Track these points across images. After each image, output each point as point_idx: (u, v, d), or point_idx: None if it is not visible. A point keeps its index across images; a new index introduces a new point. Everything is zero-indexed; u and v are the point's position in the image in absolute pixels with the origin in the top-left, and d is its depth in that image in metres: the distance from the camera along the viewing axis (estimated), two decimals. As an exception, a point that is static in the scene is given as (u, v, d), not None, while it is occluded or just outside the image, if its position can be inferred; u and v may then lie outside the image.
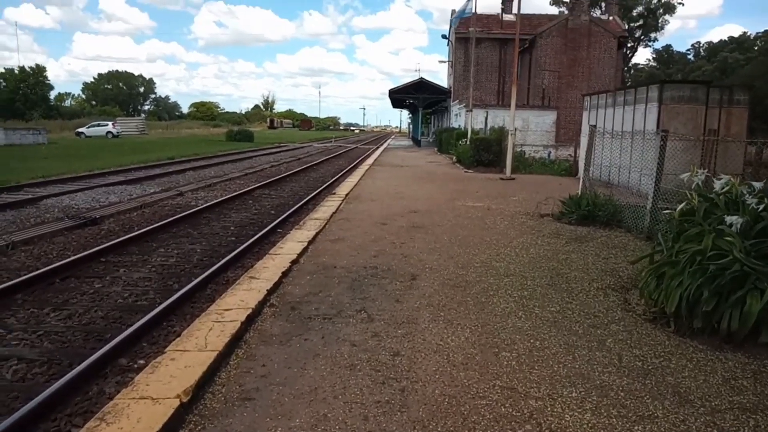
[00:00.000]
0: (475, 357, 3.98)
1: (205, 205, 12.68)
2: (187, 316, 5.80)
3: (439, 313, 4.84)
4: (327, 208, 10.43)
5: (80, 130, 56.71)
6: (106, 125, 57.84)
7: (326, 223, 8.85)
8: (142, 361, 4.64)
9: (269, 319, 4.64)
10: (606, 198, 9.82)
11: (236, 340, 4.13)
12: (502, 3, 39.78)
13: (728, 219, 4.60)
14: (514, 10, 19.32)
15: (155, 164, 24.07)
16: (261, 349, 4.04)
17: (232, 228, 10.68)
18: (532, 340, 4.31)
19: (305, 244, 7.17)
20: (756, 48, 64.44)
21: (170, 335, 5.34)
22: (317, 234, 7.96)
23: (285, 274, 5.79)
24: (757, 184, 4.74)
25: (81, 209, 12.20)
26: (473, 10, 28.16)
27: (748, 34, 69.70)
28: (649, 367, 3.90)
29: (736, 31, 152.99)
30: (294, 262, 6.28)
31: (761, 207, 4.61)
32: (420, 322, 4.62)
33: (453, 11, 41.04)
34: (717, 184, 4.95)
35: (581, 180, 10.72)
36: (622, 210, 9.51)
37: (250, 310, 4.60)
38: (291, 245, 7.05)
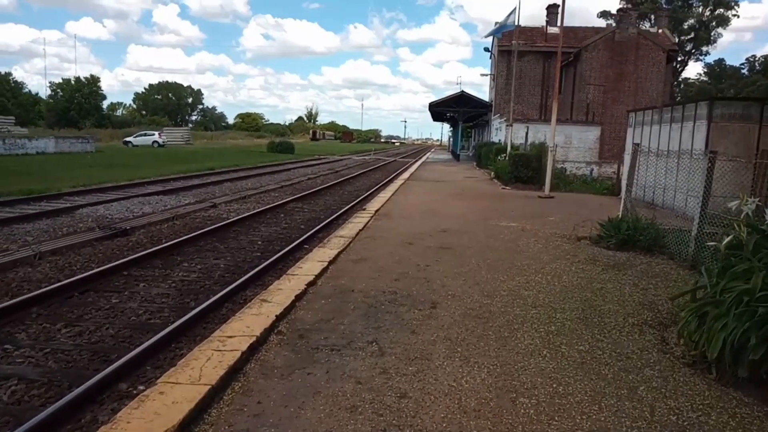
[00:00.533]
0: (490, 403, 3.63)
1: (236, 218, 12.65)
2: (197, 338, 5.62)
3: (456, 349, 4.50)
4: (354, 225, 10.18)
5: (128, 139, 58.43)
6: (153, 135, 59.40)
7: (351, 242, 8.60)
8: (142, 387, 4.46)
9: (274, 348, 4.39)
10: (648, 221, 9.26)
11: (234, 372, 3.89)
12: (547, 15, 39.14)
13: (781, 255, 4.12)
14: (559, 23, 18.82)
15: (195, 175, 24.42)
16: (260, 383, 3.79)
17: (259, 243, 10.56)
18: (555, 385, 3.92)
19: (326, 264, 6.92)
20: (816, 62, 61.64)
21: (176, 358, 5.14)
22: (340, 253, 7.71)
23: (299, 297, 5.55)
24: (816, 218, 4.24)
25: (114, 219, 12.33)
26: (516, 23, 27.67)
27: (808, 47, 66.73)
28: (685, 423, 3.47)
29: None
30: (311, 284, 6.04)
31: (820, 243, 4.12)
32: (434, 359, 4.29)
33: (497, 23, 40.62)
34: (768, 216, 4.47)
35: (622, 201, 10.17)
36: (665, 235, 8.94)
37: (254, 338, 4.36)
38: (310, 265, 6.82)
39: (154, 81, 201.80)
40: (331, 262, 7.09)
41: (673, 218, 11.13)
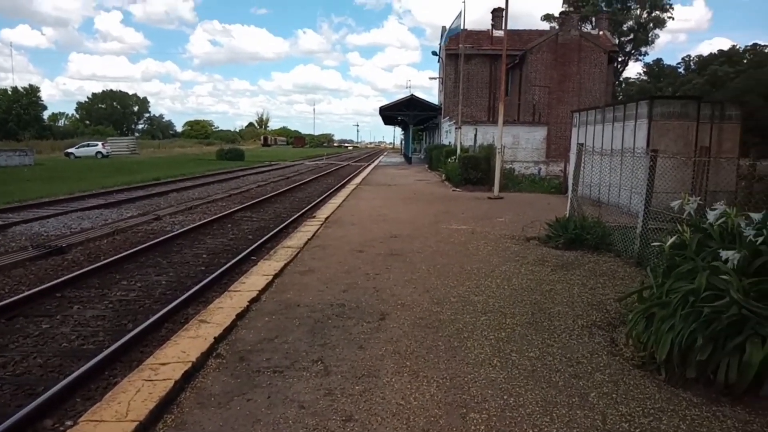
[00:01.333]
0: (439, 420, 3.48)
1: (180, 231, 12.19)
2: (134, 363, 5.26)
3: (404, 363, 4.33)
4: (303, 234, 9.93)
5: (69, 150, 56.17)
6: (96, 145, 57.34)
7: (299, 252, 8.34)
8: (70, 422, 4.11)
9: (212, 373, 4.13)
10: (594, 220, 9.36)
11: (167, 403, 3.61)
12: (492, 19, 39.72)
13: (724, 254, 4.12)
14: (504, 26, 19.03)
15: (139, 186, 23.56)
16: (194, 414, 3.53)
17: (204, 256, 10.17)
18: (506, 397, 3.81)
19: (271, 277, 6.66)
20: (745, 61, 64.68)
21: (110, 387, 4.80)
22: (287, 265, 7.46)
23: (241, 315, 5.28)
24: (756, 215, 4.27)
25: (50, 237, 11.67)
26: (462, 27, 27.92)
27: (737, 47, 70.02)
28: (637, 430, 3.40)
29: (724, 44, 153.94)
30: (254, 300, 5.77)
31: (760, 240, 4.14)
32: (382, 375, 4.11)
33: (444, 27, 40.97)
34: (711, 215, 4.49)
35: (569, 201, 10.27)
36: (611, 233, 9.05)
37: (189, 365, 4.08)
38: (254, 279, 6.54)
39: (98, 90, 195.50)
40: (276, 276, 6.82)
41: (618, 215, 11.33)
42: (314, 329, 5.05)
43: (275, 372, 4.14)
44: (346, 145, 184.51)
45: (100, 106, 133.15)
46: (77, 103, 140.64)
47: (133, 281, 8.42)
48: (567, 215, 9.94)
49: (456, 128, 29.46)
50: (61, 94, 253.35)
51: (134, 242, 11.30)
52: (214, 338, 4.61)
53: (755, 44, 69.52)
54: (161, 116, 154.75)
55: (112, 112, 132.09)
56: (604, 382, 4.06)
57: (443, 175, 25.40)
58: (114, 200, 18.07)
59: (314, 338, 4.83)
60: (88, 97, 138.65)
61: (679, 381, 4.02)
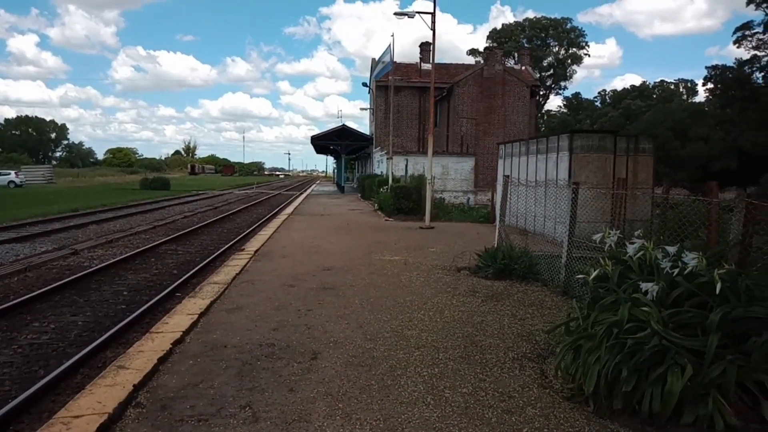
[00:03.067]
0: (373, 466, 3.37)
1: (99, 266, 11.55)
2: (44, 415, 4.87)
3: (337, 405, 4.21)
4: (230, 268, 9.61)
5: (-22, 179, 52.59)
6: (8, 174, 53.99)
7: (226, 288, 8.06)
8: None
9: (131, 424, 3.85)
10: (522, 250, 9.60)
11: (78, 462, 3.33)
12: (421, 52, 40.74)
13: (644, 286, 4.30)
14: (432, 60, 19.52)
15: (55, 217, 22.26)
16: (109, 473, 3.26)
17: (125, 293, 9.67)
18: (439, 437, 3.75)
19: (196, 316, 6.36)
20: (655, 96, 69.46)
21: (16, 444, 4.42)
22: (213, 302, 7.17)
23: (163, 359, 4.99)
24: (671, 248, 4.49)
25: (-49, 275, 10.77)
26: (391, 60, 28.44)
27: (648, 83, 75.17)
28: (569, 465, 3.43)
29: (635, 79, 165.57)
30: (177, 342, 5.48)
31: (676, 272, 4.35)
32: (314, 419, 3.97)
33: (373, 59, 41.64)
34: (630, 249, 4.68)
35: (497, 231, 10.51)
36: (538, 261, 9.31)
37: (106, 416, 3.80)
38: (178, 319, 6.23)
39: (12, 115, 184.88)
40: (202, 314, 6.53)
41: (544, 244, 11.69)
42: (242, 372, 4.84)
43: (200, 420, 3.92)
44: (278, 173, 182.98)
45: (13, 132, 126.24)
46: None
47: (46, 322, 7.86)
48: (495, 245, 10.16)
49: (387, 158, 29.80)
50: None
51: (48, 279, 10.60)
52: (134, 386, 4.32)
53: (662, 80, 75.01)
54: (81, 143, 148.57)
55: (27, 138, 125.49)
56: (535, 416, 4.09)
57: (376, 205, 25.51)
58: (27, 233, 16.97)
59: (242, 382, 4.62)
60: (0, 123, 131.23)
61: (607, 412, 4.10)
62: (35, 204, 28.93)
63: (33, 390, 5.26)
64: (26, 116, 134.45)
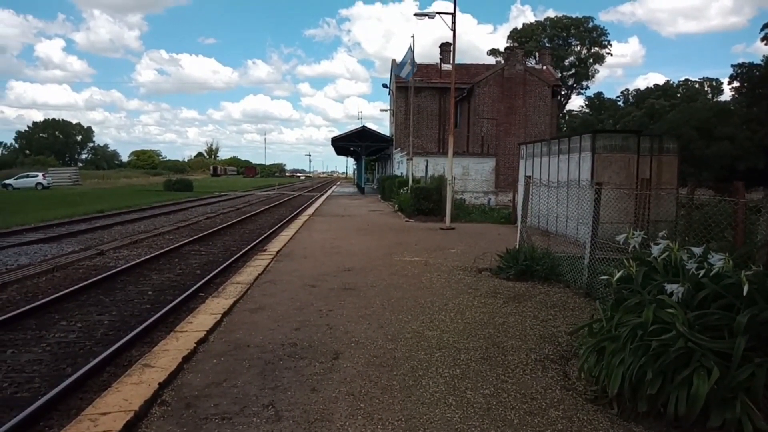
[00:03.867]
0: (395, 466, 3.38)
1: (124, 266, 11.74)
2: (72, 412, 4.97)
3: (359, 405, 4.23)
4: (253, 268, 9.70)
5: (7, 181, 53.82)
6: (36, 176, 55.22)
7: (249, 288, 8.13)
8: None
9: (156, 422, 3.91)
10: (544, 251, 9.54)
11: (106, 458, 3.39)
12: (441, 53, 40.68)
13: (668, 287, 4.24)
14: (452, 60, 19.48)
15: (82, 219, 22.69)
16: (136, 470, 3.32)
17: (149, 293, 9.81)
18: (461, 437, 3.75)
19: (219, 316, 6.44)
20: (679, 95, 68.41)
21: (45, 441, 4.52)
22: (236, 302, 7.25)
23: (187, 358, 5.06)
24: (697, 249, 4.42)
25: (-18, 275, 11.04)
26: (413, 67, 28.42)
27: (672, 82, 74.11)
28: (593, 468, 3.40)
29: (658, 79, 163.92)
30: (201, 341, 5.56)
31: (702, 273, 4.28)
32: (335, 419, 3.99)
33: (393, 60, 41.69)
34: (654, 249, 4.62)
35: (519, 232, 10.45)
36: (560, 263, 9.23)
37: (132, 414, 3.86)
38: (202, 319, 6.31)
39: (39, 118, 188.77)
40: (225, 314, 6.61)
41: (566, 245, 11.59)
42: (265, 371, 4.88)
43: (223, 419, 3.97)
44: (299, 174, 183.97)
45: (41, 135, 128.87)
46: (16, 132, 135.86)
47: (73, 321, 8.02)
48: (517, 246, 10.10)
49: (407, 159, 29.80)
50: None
51: (75, 279, 10.81)
52: (159, 384, 4.39)
53: (687, 79, 73.91)
54: (106, 146, 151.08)
55: (54, 141, 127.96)
56: (558, 418, 4.06)
57: (396, 206, 25.53)
58: (54, 234, 17.33)
59: (265, 381, 4.66)
60: (28, 126, 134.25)
61: (631, 415, 4.06)
62: (62, 205, 29.51)
63: (61, 387, 5.36)
64: (53, 119, 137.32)
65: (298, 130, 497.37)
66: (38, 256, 13.48)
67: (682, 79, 79.74)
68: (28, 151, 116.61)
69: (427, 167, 27.90)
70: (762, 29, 44.63)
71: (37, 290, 9.96)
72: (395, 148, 40.61)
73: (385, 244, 13.52)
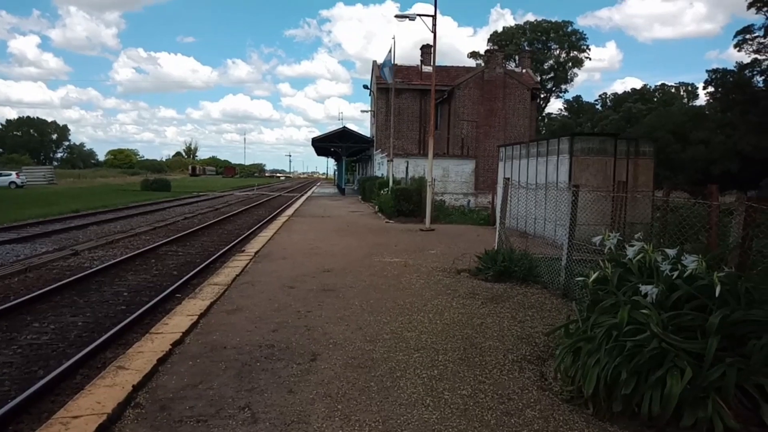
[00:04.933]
0: (371, 467, 3.37)
1: (99, 267, 11.56)
2: (43, 415, 4.87)
3: (336, 407, 4.21)
4: (231, 269, 9.62)
5: (-21, 180, 52.67)
6: (9, 175, 54.08)
7: (226, 289, 8.06)
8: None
9: (130, 425, 3.85)
10: (522, 253, 9.60)
11: (77, 462, 3.33)
12: (421, 55, 40.79)
13: (643, 289, 4.30)
14: (432, 62, 19.55)
15: (56, 218, 22.27)
16: (108, 474, 3.26)
17: (125, 294, 9.67)
18: (438, 438, 3.75)
19: (196, 317, 6.36)
20: (655, 99, 69.51)
21: (14, 444, 4.42)
22: (213, 303, 7.17)
23: (162, 360, 4.99)
24: (671, 251, 4.49)
25: (-49, 275, 10.77)
26: (392, 62, 28.48)
27: (648, 86, 75.26)
28: (568, 468, 3.42)
29: (635, 83, 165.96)
30: (177, 343, 5.48)
31: (675, 274, 4.35)
32: (312, 421, 3.97)
33: (374, 62, 41.72)
34: (630, 251, 4.68)
35: (497, 233, 10.51)
36: (538, 264, 9.30)
37: (105, 417, 3.80)
38: (178, 320, 6.23)
39: (13, 116, 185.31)
40: (202, 315, 6.53)
41: (544, 246, 11.68)
42: (241, 373, 4.84)
43: (199, 421, 3.92)
44: (278, 175, 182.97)
45: (15, 133, 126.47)
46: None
47: (46, 323, 7.87)
48: (496, 248, 10.16)
49: (388, 160, 29.82)
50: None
51: (49, 280, 10.61)
52: (133, 386, 4.32)
53: (663, 84, 75.14)
54: (82, 145, 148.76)
55: (28, 139, 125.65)
56: (535, 418, 4.09)
57: (376, 207, 25.52)
58: (28, 234, 16.99)
59: (241, 383, 4.62)
60: (1, 124, 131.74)
61: (606, 415, 4.10)
62: (36, 204, 28.96)
63: (32, 390, 5.26)
64: (28, 117, 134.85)
65: (278, 130, 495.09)
66: (10, 256, 13.20)
67: (659, 83, 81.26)
68: (1, 150, 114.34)
69: (407, 168, 27.96)
70: (735, 36, 45.56)
71: (9, 291, 9.76)
72: (376, 150, 40.62)
73: (365, 245, 13.50)
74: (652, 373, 3.94)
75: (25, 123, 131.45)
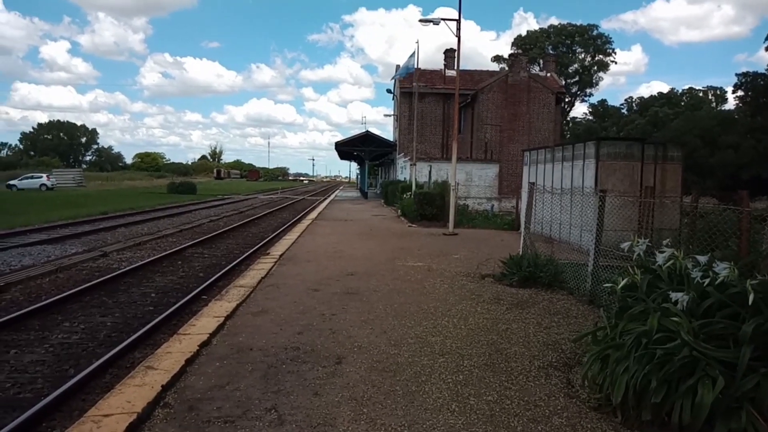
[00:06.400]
0: (398, 472, 3.37)
1: (128, 268, 11.77)
2: (74, 413, 4.98)
3: (361, 410, 4.22)
4: (256, 272, 9.71)
5: (12, 182, 54.09)
6: (40, 177, 55.45)
7: (252, 291, 8.13)
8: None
9: (159, 425, 3.91)
10: (547, 258, 9.52)
11: (108, 460, 3.39)
12: (445, 59, 40.78)
13: (674, 296, 4.23)
14: (456, 66, 19.53)
15: (85, 220, 22.75)
16: (139, 472, 3.32)
17: (152, 295, 9.83)
18: (464, 444, 3.74)
19: (222, 319, 6.44)
20: (683, 103, 68.36)
21: (47, 442, 4.52)
22: (239, 305, 7.25)
23: (190, 361, 5.06)
24: (702, 258, 4.41)
25: (-14, 275, 11.06)
26: (416, 66, 28.50)
27: (675, 90, 74.05)
28: (597, 476, 3.38)
29: (661, 87, 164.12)
30: (204, 344, 5.55)
31: (707, 282, 4.27)
32: (338, 424, 3.98)
33: (397, 66, 41.77)
34: (659, 258, 4.61)
35: (522, 238, 10.43)
36: (564, 270, 9.21)
37: (135, 416, 3.86)
38: (205, 322, 6.31)
39: (44, 120, 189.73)
40: (228, 317, 6.61)
41: (569, 252, 11.57)
42: (267, 375, 4.88)
43: (226, 422, 3.96)
44: (302, 178, 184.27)
45: (45, 136, 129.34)
46: (21, 134, 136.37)
47: (77, 323, 8.03)
48: (520, 252, 10.08)
49: (411, 165, 29.81)
50: (3, 124, 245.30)
51: (78, 280, 10.84)
52: (162, 386, 4.39)
53: (690, 88, 73.81)
54: (110, 148, 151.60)
55: (58, 143, 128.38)
56: (562, 426, 4.05)
57: (399, 211, 25.53)
58: (58, 235, 17.38)
59: (267, 384, 4.66)
60: (33, 128, 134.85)
61: (635, 423, 4.04)
62: (66, 206, 29.59)
63: (64, 388, 5.37)
64: (58, 121, 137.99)
65: (301, 134, 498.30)
66: (42, 257, 13.51)
67: (686, 87, 79.84)
68: (32, 153, 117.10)
69: (430, 173, 27.91)
70: (766, 39, 44.62)
71: (41, 291, 9.99)
72: (398, 154, 40.65)
73: (388, 248, 13.51)
74: (682, 381, 3.87)
75: (55, 126, 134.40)
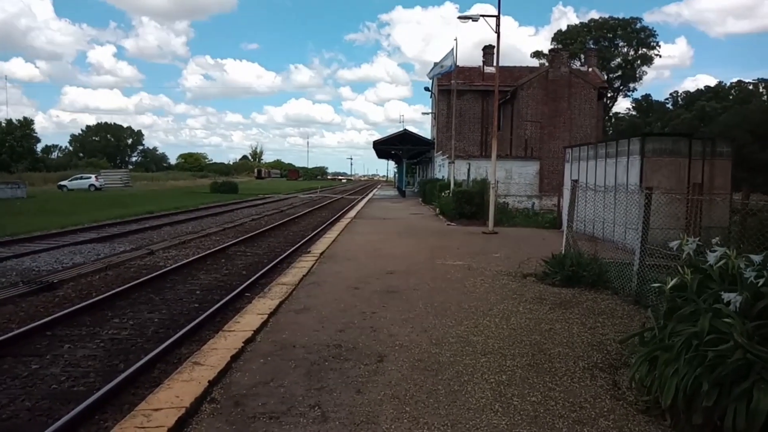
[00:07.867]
0: (441, 471, 3.37)
1: (173, 266, 12.08)
2: (125, 407, 5.14)
3: (404, 408, 4.23)
4: (297, 270, 9.83)
5: (62, 183, 56.10)
6: (89, 178, 57.28)
7: (294, 289, 8.24)
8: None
9: (206, 419, 4.00)
10: (591, 257, 9.33)
11: (160, 453, 3.49)
12: (483, 56, 40.42)
13: (726, 296, 4.08)
14: (495, 62, 19.33)
15: (132, 219, 23.44)
16: (188, 465, 3.41)
17: (197, 292, 10.06)
18: (508, 444, 3.70)
19: (266, 316, 6.55)
20: (731, 97, 65.98)
21: (100, 433, 4.68)
22: (282, 303, 7.35)
23: (235, 357, 5.16)
24: (756, 257, 4.25)
25: (41, 272, 11.53)
26: (454, 64, 28.30)
27: (723, 83, 71.52)
28: (646, 481, 3.31)
29: (707, 80, 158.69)
30: (249, 341, 5.66)
31: (761, 282, 4.11)
32: (381, 422, 4.00)
33: (435, 64, 41.60)
34: (711, 257, 4.46)
35: (564, 237, 10.26)
36: (608, 269, 9.01)
37: (183, 410, 3.96)
38: (249, 319, 6.43)
39: (92, 122, 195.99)
40: (271, 314, 6.71)
41: (613, 251, 11.30)
42: (310, 372, 4.94)
43: (271, 418, 4.03)
44: (340, 177, 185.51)
45: (93, 138, 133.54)
46: (71, 136, 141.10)
47: (125, 319, 8.29)
48: (563, 251, 9.91)
49: (449, 163, 29.65)
50: (54, 127, 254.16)
51: (127, 278, 11.18)
52: (209, 382, 4.49)
53: (740, 81, 71.17)
54: (155, 149, 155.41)
55: (105, 144, 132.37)
56: (608, 428, 3.97)
57: (437, 209, 25.44)
58: (106, 234, 17.96)
59: (311, 381, 4.71)
60: (81, 130, 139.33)
61: (685, 427, 3.93)
62: (113, 206, 30.54)
63: (115, 383, 5.55)
64: (105, 123, 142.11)
65: (339, 133, 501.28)
66: (92, 255, 13.97)
67: (735, 80, 76.96)
68: (81, 154, 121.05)
69: (469, 170, 27.69)
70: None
71: (91, 288, 10.33)
72: (436, 152, 40.49)
73: (427, 247, 13.48)
74: (736, 385, 3.75)
75: (102, 129, 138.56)
